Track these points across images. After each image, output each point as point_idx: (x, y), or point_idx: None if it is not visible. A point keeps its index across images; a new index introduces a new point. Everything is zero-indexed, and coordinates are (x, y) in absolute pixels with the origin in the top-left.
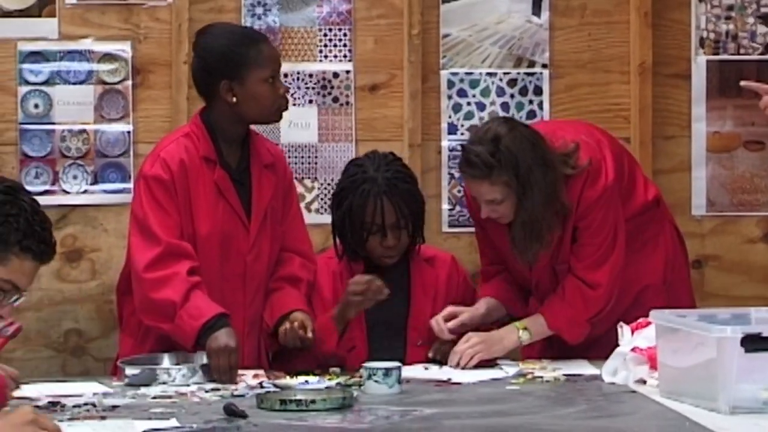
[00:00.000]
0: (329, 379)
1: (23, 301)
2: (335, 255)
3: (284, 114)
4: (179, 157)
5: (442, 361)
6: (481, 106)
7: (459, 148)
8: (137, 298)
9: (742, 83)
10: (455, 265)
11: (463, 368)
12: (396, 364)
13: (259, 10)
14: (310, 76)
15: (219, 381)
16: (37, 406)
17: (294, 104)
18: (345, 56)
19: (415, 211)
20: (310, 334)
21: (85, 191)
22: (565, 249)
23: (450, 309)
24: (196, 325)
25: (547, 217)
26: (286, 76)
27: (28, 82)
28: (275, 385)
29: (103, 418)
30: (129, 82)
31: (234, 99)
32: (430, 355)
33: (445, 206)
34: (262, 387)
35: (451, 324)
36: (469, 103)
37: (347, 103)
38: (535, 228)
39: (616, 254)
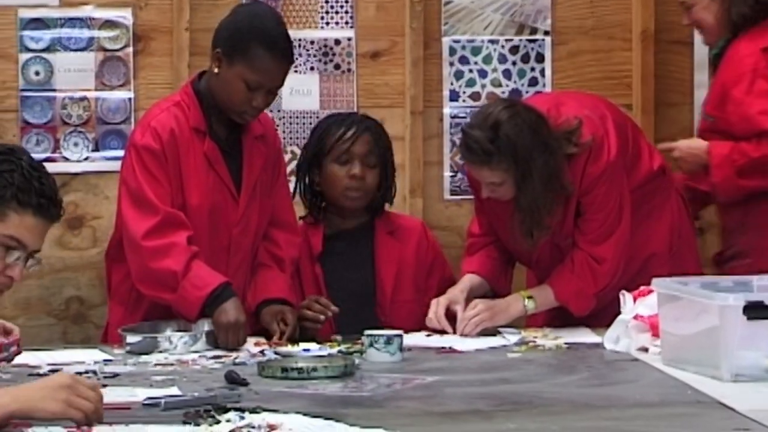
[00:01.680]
0: (331, 347)
1: (36, 266)
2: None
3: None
4: (170, 127)
5: None
6: (482, 74)
7: (461, 115)
8: (135, 267)
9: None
10: (425, 232)
11: (467, 335)
12: (398, 332)
13: None
14: (312, 43)
15: (224, 349)
16: (38, 374)
17: (295, 71)
18: (347, 23)
19: (385, 157)
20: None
21: (86, 158)
22: (569, 224)
23: (445, 302)
24: (201, 295)
25: (548, 202)
26: None
27: (28, 49)
28: (277, 353)
29: (104, 386)
30: (130, 49)
31: (216, 71)
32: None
33: (447, 173)
34: (263, 355)
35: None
36: (471, 71)
37: (349, 70)
38: (535, 214)
39: (621, 229)
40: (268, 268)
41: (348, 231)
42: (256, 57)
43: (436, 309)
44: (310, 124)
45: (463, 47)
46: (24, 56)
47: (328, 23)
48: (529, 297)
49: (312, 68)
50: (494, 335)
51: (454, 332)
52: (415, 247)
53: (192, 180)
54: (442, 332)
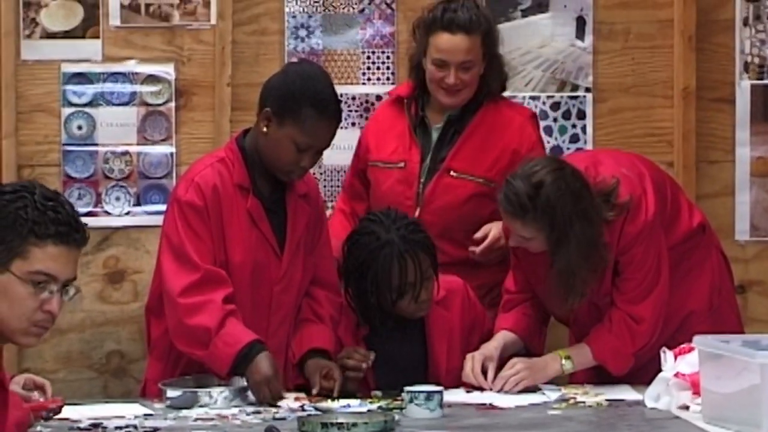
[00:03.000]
0: (371, 403)
1: (76, 294)
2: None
3: None
4: (213, 183)
5: None
6: None
7: None
8: (171, 322)
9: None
10: (466, 290)
11: (506, 393)
12: (438, 387)
13: (303, 33)
14: (353, 98)
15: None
16: (79, 428)
17: None
18: (388, 79)
19: (434, 256)
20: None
21: (128, 213)
22: (606, 283)
23: (480, 357)
24: (231, 353)
25: (584, 270)
26: None
27: (71, 104)
28: (316, 408)
29: None
30: (172, 104)
31: (265, 130)
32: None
33: None
34: (303, 410)
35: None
36: None
37: None
38: (570, 280)
39: (659, 288)
40: (312, 322)
41: None
42: (307, 119)
43: (472, 365)
44: None
45: None
46: (67, 110)
47: (369, 79)
48: (567, 357)
49: (353, 124)
50: (534, 392)
51: (490, 388)
52: (459, 312)
53: (235, 237)
54: (482, 388)
